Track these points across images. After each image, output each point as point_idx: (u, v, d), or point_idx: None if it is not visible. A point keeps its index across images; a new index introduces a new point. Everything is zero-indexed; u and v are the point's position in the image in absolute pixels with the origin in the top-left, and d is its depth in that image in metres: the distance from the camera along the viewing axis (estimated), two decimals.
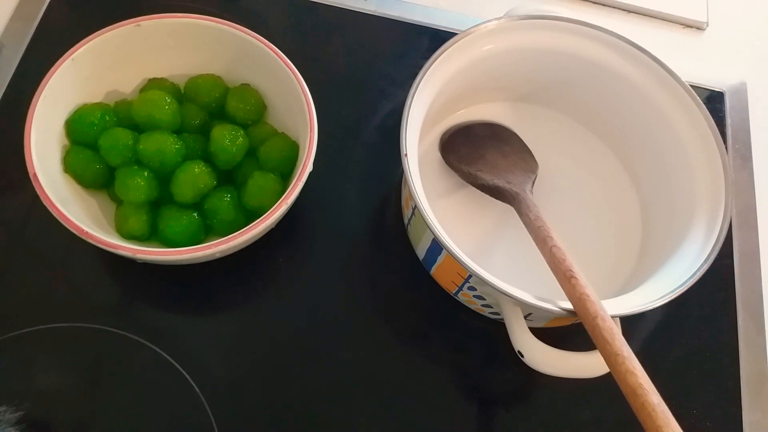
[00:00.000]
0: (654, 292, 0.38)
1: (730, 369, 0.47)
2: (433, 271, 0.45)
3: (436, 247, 0.41)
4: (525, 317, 0.38)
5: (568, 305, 0.36)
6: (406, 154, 0.39)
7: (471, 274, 0.37)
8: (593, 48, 0.45)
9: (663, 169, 0.46)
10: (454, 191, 0.48)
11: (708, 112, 0.43)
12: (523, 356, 0.37)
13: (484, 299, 0.42)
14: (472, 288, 0.41)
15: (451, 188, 0.48)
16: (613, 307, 0.36)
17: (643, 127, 0.47)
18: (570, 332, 0.44)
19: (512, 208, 0.43)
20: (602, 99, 0.48)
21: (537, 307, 0.36)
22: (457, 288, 0.43)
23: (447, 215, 0.47)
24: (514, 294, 0.36)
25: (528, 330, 0.37)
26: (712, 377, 0.47)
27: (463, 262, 0.37)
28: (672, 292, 0.37)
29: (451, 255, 0.37)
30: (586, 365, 0.37)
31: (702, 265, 0.38)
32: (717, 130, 0.42)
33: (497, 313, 0.43)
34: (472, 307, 0.45)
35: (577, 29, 0.45)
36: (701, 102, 0.43)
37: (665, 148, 0.45)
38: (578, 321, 0.36)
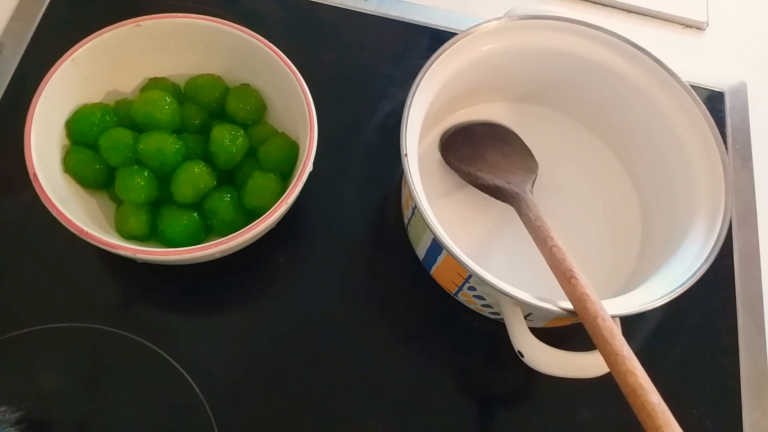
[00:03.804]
0: (654, 292, 0.38)
1: (730, 369, 0.47)
2: (433, 271, 0.45)
3: (436, 247, 0.41)
4: (525, 317, 0.38)
5: (568, 305, 0.36)
6: (406, 154, 0.39)
7: (471, 274, 0.37)
8: (593, 48, 0.45)
9: (663, 169, 0.46)
10: (454, 191, 0.48)
11: (708, 112, 0.43)
12: (523, 356, 0.37)
13: (484, 299, 0.42)
14: (472, 288, 0.41)
15: (451, 188, 0.48)
16: (613, 307, 0.36)
17: (643, 127, 0.47)
18: (570, 332, 0.44)
19: (512, 208, 0.43)
20: (602, 99, 0.48)
21: (537, 307, 0.36)
22: (457, 288, 0.43)
23: (447, 215, 0.47)
24: (514, 294, 0.36)
25: (528, 330, 0.37)
26: (712, 377, 0.47)
27: (463, 262, 0.37)
28: (672, 292, 0.37)
29: (451, 255, 0.37)
30: (586, 365, 0.37)
31: (702, 265, 0.38)
32: (717, 130, 0.42)
33: (497, 313, 0.43)
34: (472, 307, 0.45)
35: (576, 29, 0.45)
36: (701, 102, 0.43)
37: (665, 148, 0.45)
38: (578, 321, 0.36)
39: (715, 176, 0.41)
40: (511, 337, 0.38)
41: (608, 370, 0.34)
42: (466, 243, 0.46)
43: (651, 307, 0.37)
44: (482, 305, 0.43)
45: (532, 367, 0.37)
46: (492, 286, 0.36)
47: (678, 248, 0.41)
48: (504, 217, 0.47)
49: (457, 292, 0.44)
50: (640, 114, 0.46)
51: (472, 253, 0.38)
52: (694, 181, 0.43)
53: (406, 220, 0.46)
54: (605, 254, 0.47)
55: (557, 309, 0.36)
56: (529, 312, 0.39)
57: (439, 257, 0.42)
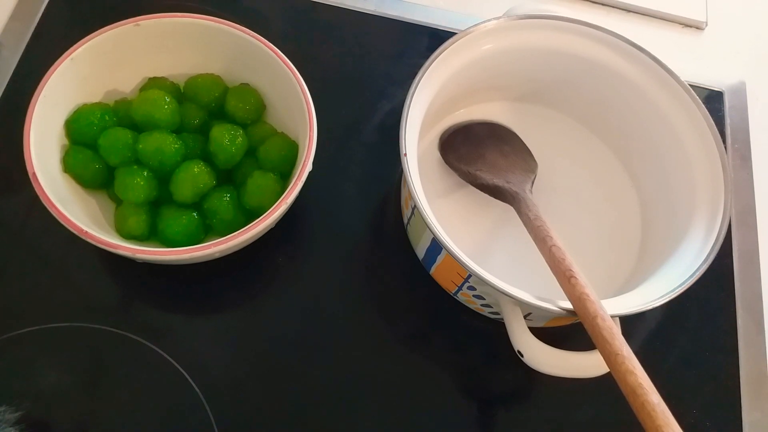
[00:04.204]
0: (654, 292, 0.38)
1: (730, 369, 0.47)
2: (432, 270, 0.45)
3: (436, 246, 0.41)
4: (525, 317, 0.38)
5: (568, 305, 0.36)
6: (405, 154, 0.39)
7: (471, 274, 0.37)
8: (592, 47, 0.45)
9: (663, 169, 0.46)
10: (454, 191, 0.48)
11: (707, 112, 0.43)
12: (522, 356, 0.37)
13: (484, 299, 0.42)
14: (471, 288, 0.41)
15: (451, 188, 0.48)
16: (613, 306, 0.36)
17: (643, 127, 0.47)
18: (570, 332, 0.44)
19: (512, 208, 0.43)
20: (602, 99, 0.48)
21: (537, 307, 0.36)
22: (457, 288, 0.43)
23: (447, 215, 0.47)
24: (513, 294, 0.36)
25: (528, 330, 0.37)
26: (712, 377, 0.47)
27: (463, 262, 0.37)
28: (671, 291, 0.37)
29: (451, 254, 0.37)
30: (585, 365, 0.37)
31: (701, 265, 0.38)
32: (716, 130, 0.42)
33: (497, 313, 0.43)
34: (472, 306, 0.45)
35: (575, 29, 0.45)
36: (700, 102, 0.43)
37: (665, 147, 0.45)
38: (578, 321, 0.36)
39: (715, 176, 0.41)
40: (510, 337, 0.38)
41: (608, 370, 0.34)
42: (466, 243, 0.46)
43: (650, 307, 0.37)
44: (482, 305, 0.43)
45: (532, 366, 0.37)
46: (492, 286, 0.36)
47: (678, 248, 0.41)
48: (504, 217, 0.46)
49: (457, 291, 0.44)
50: (639, 114, 0.46)
51: (472, 253, 0.38)
52: (694, 181, 0.43)
53: (405, 220, 0.46)
54: (605, 254, 0.47)
55: (557, 309, 0.36)
56: (529, 312, 0.39)
57: (438, 257, 0.42)
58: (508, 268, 0.45)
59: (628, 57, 0.45)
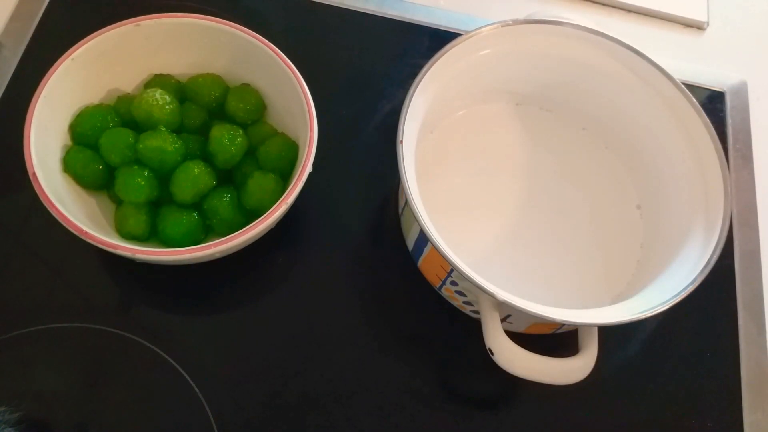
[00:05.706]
0: (655, 298, 0.37)
1: (730, 369, 0.47)
2: (420, 263, 0.44)
3: (423, 238, 0.41)
4: (504, 320, 0.38)
5: (543, 310, 0.35)
6: (401, 141, 0.38)
7: (453, 269, 0.37)
8: (591, 52, 0.45)
9: (663, 171, 0.46)
10: (457, 203, 0.47)
11: (707, 117, 0.42)
12: (493, 354, 0.37)
13: (465, 296, 0.41)
14: (454, 283, 0.41)
15: (453, 200, 0.47)
16: (614, 314, 0.36)
17: (642, 129, 0.46)
18: (557, 344, 0.43)
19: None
20: (601, 102, 0.48)
21: (512, 306, 0.36)
22: (441, 282, 0.42)
23: (449, 228, 0.46)
24: (488, 288, 0.35)
25: (501, 329, 0.37)
26: (713, 377, 0.46)
27: (443, 252, 0.36)
28: (674, 297, 0.37)
29: (433, 244, 0.36)
30: (555, 371, 0.37)
31: (704, 268, 0.37)
32: (717, 138, 0.42)
33: (478, 312, 0.42)
34: (455, 303, 0.44)
35: (575, 33, 0.45)
36: (700, 107, 0.43)
37: (666, 152, 0.45)
38: (558, 328, 0.35)
39: (715, 182, 0.41)
40: (484, 334, 0.38)
41: (579, 379, 0.33)
42: (467, 254, 0.45)
43: (652, 314, 0.36)
44: (464, 302, 0.43)
45: (501, 366, 0.37)
46: (469, 280, 0.36)
47: (678, 254, 0.40)
48: (510, 231, 0.46)
49: (441, 286, 0.43)
50: (638, 117, 0.46)
51: (473, 262, 0.38)
52: (694, 185, 0.42)
53: (399, 212, 0.46)
54: (604, 258, 0.47)
55: (531, 310, 0.35)
56: (509, 314, 0.39)
57: (425, 248, 0.42)
58: (509, 279, 0.45)
59: (626, 61, 0.45)
